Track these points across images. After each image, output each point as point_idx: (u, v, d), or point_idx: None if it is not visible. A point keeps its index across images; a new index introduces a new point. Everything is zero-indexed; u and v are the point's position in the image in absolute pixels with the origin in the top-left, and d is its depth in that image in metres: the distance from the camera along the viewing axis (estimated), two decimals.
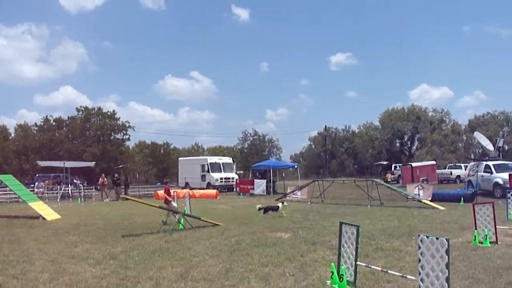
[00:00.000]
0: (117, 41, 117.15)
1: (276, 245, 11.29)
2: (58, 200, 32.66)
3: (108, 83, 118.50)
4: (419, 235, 5.99)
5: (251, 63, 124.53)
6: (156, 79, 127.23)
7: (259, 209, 19.13)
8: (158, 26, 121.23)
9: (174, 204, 17.00)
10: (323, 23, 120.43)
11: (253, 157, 79.44)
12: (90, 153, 60.45)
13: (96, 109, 69.47)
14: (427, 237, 5.80)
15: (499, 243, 10.80)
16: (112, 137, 68.93)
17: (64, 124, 68.29)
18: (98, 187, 38.49)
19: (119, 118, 69.56)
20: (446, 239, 5.51)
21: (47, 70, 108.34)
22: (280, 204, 19.40)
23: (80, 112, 68.37)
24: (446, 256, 5.46)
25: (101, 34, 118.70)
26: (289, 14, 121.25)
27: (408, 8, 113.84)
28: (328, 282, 7.43)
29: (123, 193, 34.56)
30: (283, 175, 46.12)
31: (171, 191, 18.29)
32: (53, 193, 35.98)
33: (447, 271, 5.47)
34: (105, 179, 37.81)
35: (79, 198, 33.78)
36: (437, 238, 5.63)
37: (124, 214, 21.11)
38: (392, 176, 47.08)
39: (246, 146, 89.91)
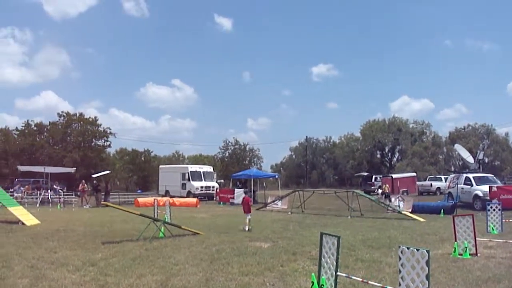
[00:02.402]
0: (99, 48, 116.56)
1: (256, 254, 11.26)
2: (38, 205, 32.42)
3: (89, 89, 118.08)
4: (399, 246, 6.01)
5: (233, 72, 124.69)
6: (138, 87, 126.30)
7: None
8: (141, 33, 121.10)
9: (249, 216, 17.20)
10: (305, 34, 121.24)
11: (233, 166, 79.24)
12: (70, 159, 59.88)
13: (77, 115, 68.91)
14: (408, 248, 5.82)
15: (478, 255, 10.86)
16: (93, 144, 68.46)
17: (45, 129, 67.58)
18: (78, 193, 38.15)
19: (100, 125, 69.16)
20: (426, 251, 5.53)
21: (29, 74, 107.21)
22: None
23: (62, 118, 67.74)
24: (427, 268, 5.48)
25: (84, 41, 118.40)
26: (271, 24, 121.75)
27: (390, 20, 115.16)
28: None
29: (103, 200, 34.26)
30: (264, 185, 46.06)
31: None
32: (32, 198, 35.66)
33: (427, 282, 5.49)
34: (85, 185, 37.48)
35: (59, 204, 33.39)
36: (417, 250, 5.65)
37: (104, 221, 20.88)
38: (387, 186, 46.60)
39: (227, 155, 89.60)
